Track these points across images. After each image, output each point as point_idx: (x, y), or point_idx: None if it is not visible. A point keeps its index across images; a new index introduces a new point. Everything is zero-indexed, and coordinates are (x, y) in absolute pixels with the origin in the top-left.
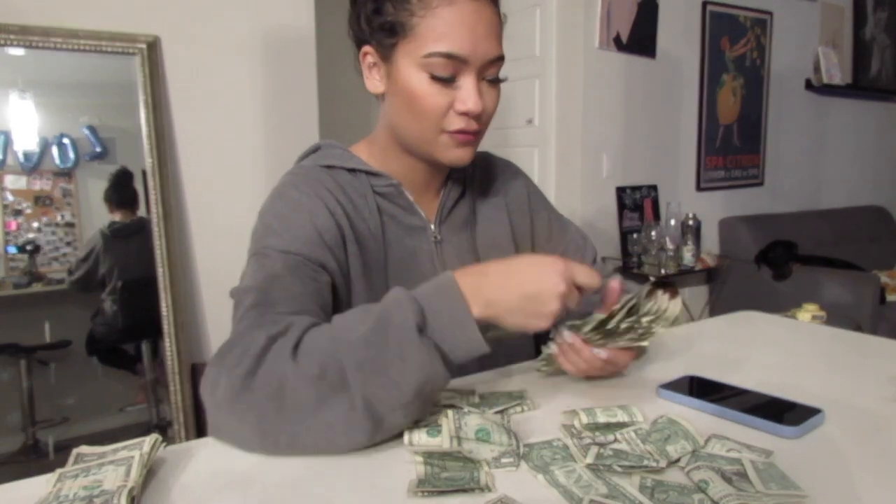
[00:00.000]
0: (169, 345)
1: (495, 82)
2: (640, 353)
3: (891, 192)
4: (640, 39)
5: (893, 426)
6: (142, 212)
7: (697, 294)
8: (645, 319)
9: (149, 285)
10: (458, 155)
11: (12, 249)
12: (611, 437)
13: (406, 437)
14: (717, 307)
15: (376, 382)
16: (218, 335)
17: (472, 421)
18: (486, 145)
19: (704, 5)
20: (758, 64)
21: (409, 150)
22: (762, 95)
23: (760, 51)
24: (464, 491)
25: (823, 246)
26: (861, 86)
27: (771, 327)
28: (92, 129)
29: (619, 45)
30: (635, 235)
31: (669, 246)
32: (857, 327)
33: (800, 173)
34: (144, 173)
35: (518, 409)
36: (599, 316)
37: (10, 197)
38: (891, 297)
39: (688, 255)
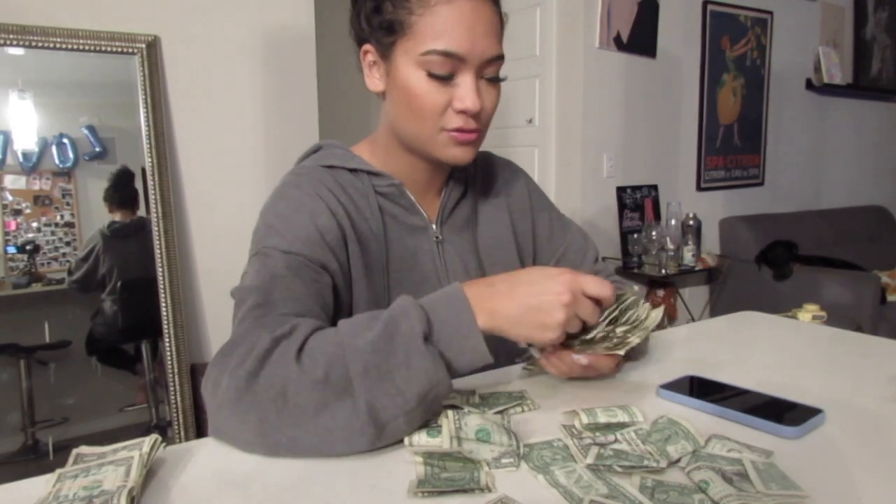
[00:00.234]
0: (169, 345)
1: (495, 81)
2: (640, 354)
3: (891, 192)
4: (640, 39)
5: (893, 426)
6: (141, 212)
7: (697, 294)
8: (620, 329)
9: (149, 285)
10: (457, 154)
11: (12, 249)
12: (611, 438)
13: (406, 437)
14: (717, 307)
15: (381, 388)
16: (218, 335)
17: (473, 421)
18: (486, 145)
19: (705, 5)
20: (758, 64)
21: (410, 148)
22: (762, 95)
23: (761, 50)
24: (464, 491)
25: (823, 246)
26: (861, 86)
27: (771, 327)
28: (91, 128)
29: (620, 45)
30: (636, 235)
31: (670, 246)
32: (858, 327)
33: (800, 173)
34: (144, 172)
35: (518, 409)
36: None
37: (9, 197)
38: (891, 297)
39: (688, 255)
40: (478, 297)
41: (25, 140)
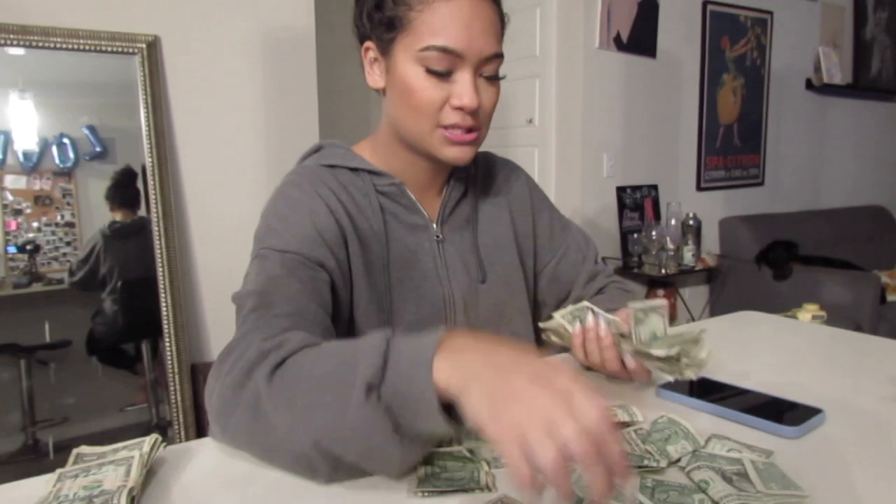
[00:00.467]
0: (169, 345)
1: (494, 80)
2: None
3: (891, 192)
4: (640, 39)
5: (893, 426)
6: (142, 211)
7: (697, 294)
8: (685, 360)
9: (149, 285)
10: (453, 154)
11: (12, 249)
12: None
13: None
14: (717, 307)
15: (323, 429)
16: (218, 335)
17: None
18: (486, 145)
19: (705, 5)
20: (758, 64)
21: (410, 146)
22: (762, 95)
23: (761, 50)
24: (464, 491)
25: (823, 246)
26: (861, 86)
27: (771, 327)
28: (92, 128)
29: (620, 45)
30: (636, 235)
31: (670, 246)
32: (857, 327)
33: (800, 173)
34: (144, 172)
35: None
36: (656, 327)
37: (9, 197)
38: (891, 297)
39: (688, 255)
40: (449, 348)
41: (26, 140)
